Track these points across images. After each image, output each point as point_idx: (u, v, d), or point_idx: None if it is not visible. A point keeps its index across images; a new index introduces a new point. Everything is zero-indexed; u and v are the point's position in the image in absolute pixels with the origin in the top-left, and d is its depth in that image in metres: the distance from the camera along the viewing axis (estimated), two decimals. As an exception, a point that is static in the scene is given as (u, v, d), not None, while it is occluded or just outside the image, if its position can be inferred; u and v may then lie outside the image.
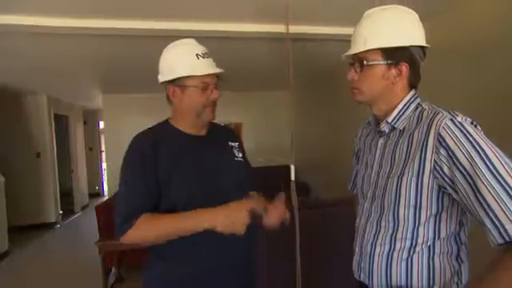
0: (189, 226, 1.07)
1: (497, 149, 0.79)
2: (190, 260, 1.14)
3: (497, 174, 0.75)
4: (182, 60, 1.14)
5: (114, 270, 3.34)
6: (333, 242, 2.32)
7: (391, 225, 0.94)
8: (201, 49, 1.17)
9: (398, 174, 0.91)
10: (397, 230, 0.93)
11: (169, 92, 1.18)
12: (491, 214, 0.74)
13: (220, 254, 1.15)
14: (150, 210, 1.10)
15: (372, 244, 0.98)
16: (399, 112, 0.96)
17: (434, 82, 2.17)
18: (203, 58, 1.15)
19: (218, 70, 1.17)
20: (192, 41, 1.20)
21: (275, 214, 1.17)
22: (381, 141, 1.02)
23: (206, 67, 1.15)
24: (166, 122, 1.25)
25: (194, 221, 1.06)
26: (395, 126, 0.97)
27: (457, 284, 0.91)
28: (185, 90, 1.15)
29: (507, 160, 0.77)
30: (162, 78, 1.19)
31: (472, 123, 0.85)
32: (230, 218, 1.03)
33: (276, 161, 5.62)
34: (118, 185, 1.17)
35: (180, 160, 1.15)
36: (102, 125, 8.11)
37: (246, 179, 1.28)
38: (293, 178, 1.64)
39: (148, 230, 1.08)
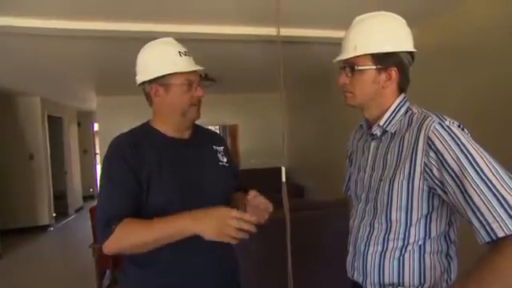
0: (171, 232, 0.96)
1: (483, 151, 0.81)
2: (171, 269, 1.07)
3: (483, 176, 0.77)
4: (165, 58, 1.11)
5: (108, 272, 3.32)
6: (325, 242, 2.34)
7: (384, 226, 0.97)
8: (181, 47, 1.14)
9: (390, 176, 0.94)
10: (389, 231, 0.96)
11: (151, 92, 1.13)
12: (478, 214, 0.77)
13: (203, 264, 1.10)
14: (132, 213, 1.02)
15: (365, 244, 1.01)
16: (390, 115, 0.99)
17: (423, 86, 2.20)
18: (185, 55, 1.12)
19: (200, 67, 1.15)
20: (171, 39, 1.16)
21: (256, 212, 1.05)
22: (373, 144, 1.04)
23: (190, 64, 1.13)
24: (147, 123, 1.20)
25: (176, 227, 0.96)
26: (387, 129, 0.99)
27: (446, 281, 0.94)
28: (169, 88, 1.11)
29: (492, 162, 0.79)
30: (141, 78, 1.14)
31: (459, 126, 0.88)
32: (217, 226, 0.92)
33: (271, 163, 5.64)
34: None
35: (161, 163, 1.09)
36: (96, 127, 8.08)
37: (229, 184, 1.23)
38: (284, 179, 1.63)
39: (125, 237, 0.99)
